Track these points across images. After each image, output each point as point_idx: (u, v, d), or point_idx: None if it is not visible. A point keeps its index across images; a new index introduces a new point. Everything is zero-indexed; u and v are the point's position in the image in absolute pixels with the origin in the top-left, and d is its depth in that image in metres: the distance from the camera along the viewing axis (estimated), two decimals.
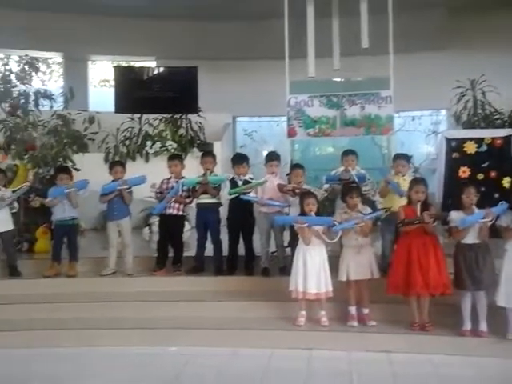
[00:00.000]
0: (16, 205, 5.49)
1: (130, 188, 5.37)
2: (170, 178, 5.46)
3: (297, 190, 4.92)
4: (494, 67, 8.60)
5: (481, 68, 8.37)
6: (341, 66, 8.18)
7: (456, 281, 4.19)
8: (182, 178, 5.40)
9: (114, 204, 5.37)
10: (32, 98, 7.05)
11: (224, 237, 5.38)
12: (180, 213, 5.42)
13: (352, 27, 7.65)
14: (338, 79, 8.05)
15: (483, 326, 4.11)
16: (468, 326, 4.14)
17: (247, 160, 5.46)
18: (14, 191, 5.44)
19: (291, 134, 7.50)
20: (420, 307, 4.23)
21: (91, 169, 6.65)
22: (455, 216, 4.20)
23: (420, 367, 3.88)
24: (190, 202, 5.48)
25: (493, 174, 6.24)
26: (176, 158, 5.68)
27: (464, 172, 6.30)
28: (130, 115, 9.06)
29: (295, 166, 5.30)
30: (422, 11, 9.32)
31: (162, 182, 5.47)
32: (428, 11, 9.43)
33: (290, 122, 7.43)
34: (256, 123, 11.30)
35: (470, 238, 4.14)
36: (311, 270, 4.33)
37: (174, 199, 5.30)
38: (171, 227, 5.45)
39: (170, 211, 5.36)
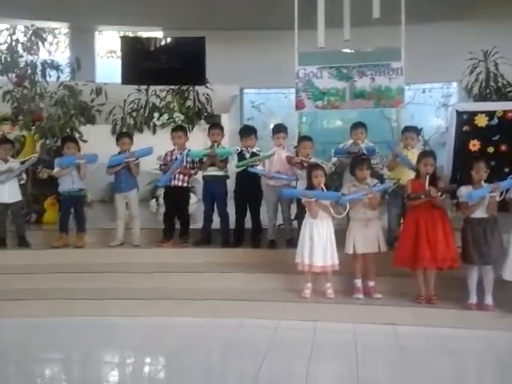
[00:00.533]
0: (24, 176, 5.52)
1: (137, 160, 5.36)
2: (173, 150, 5.43)
3: (305, 163, 4.89)
4: (507, 38, 8.41)
5: (494, 39, 8.20)
6: (351, 37, 8.02)
7: (463, 255, 4.18)
8: (186, 149, 5.37)
9: (121, 176, 5.38)
10: (39, 68, 6.99)
11: (231, 209, 5.38)
12: (185, 184, 5.41)
13: None
14: (348, 50, 7.89)
15: (489, 300, 4.11)
16: (474, 299, 4.15)
17: (255, 132, 5.42)
18: (22, 162, 5.46)
19: (299, 106, 7.41)
20: (426, 280, 4.24)
21: (98, 140, 6.63)
22: (464, 191, 4.17)
23: (425, 340, 3.91)
24: (195, 174, 5.46)
25: (503, 147, 6.14)
26: (179, 129, 5.64)
27: (474, 145, 6.21)
28: (136, 86, 8.99)
29: (303, 138, 5.26)
30: None
31: (166, 155, 5.45)
32: None
33: (299, 93, 7.33)
34: (264, 95, 11.19)
35: (479, 212, 4.11)
36: (318, 243, 4.34)
37: (178, 170, 5.28)
38: (176, 199, 5.45)
39: (174, 183, 5.35)
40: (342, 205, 4.37)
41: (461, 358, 3.68)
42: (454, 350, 3.74)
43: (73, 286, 4.80)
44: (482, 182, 4.10)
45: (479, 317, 4.08)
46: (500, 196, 4.05)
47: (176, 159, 5.31)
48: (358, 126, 5.24)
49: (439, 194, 4.14)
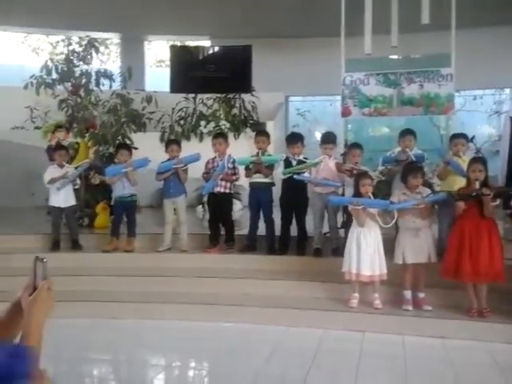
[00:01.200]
0: (78, 181, 5.74)
1: (185, 166, 5.46)
2: (215, 158, 5.50)
3: (354, 171, 4.85)
4: None
5: None
6: (399, 43, 7.90)
7: None
8: (227, 155, 5.40)
9: (170, 182, 5.50)
10: (93, 77, 7.26)
11: (276, 216, 5.39)
12: (227, 191, 5.46)
13: (412, 2, 7.35)
14: (396, 56, 7.77)
15: None
16: None
17: (302, 140, 5.42)
18: (75, 168, 5.68)
19: (346, 113, 7.34)
20: (477, 293, 4.11)
21: (148, 147, 6.80)
22: None
23: (476, 355, 3.79)
24: (237, 180, 5.49)
25: None
26: (219, 136, 5.71)
27: None
28: (184, 95, 9.17)
29: (353, 146, 5.21)
30: None
31: (208, 162, 5.52)
32: None
33: (345, 101, 7.27)
34: (309, 103, 11.17)
35: None
36: (365, 252, 4.28)
37: (221, 177, 5.34)
38: (219, 205, 5.50)
39: (217, 189, 5.41)
40: (389, 214, 4.30)
41: None
42: (507, 366, 3.59)
43: (122, 289, 4.94)
44: None
45: None
46: None
47: (217, 166, 5.38)
48: (407, 133, 5.15)
49: (491, 195, 3.95)
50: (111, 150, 6.64)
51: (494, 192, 4.01)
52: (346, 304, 4.39)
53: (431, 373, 3.55)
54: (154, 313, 4.61)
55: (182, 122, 8.97)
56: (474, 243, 4.01)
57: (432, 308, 4.26)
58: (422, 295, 4.34)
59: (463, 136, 4.97)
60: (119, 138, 6.92)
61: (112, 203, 5.86)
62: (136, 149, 6.45)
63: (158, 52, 12.46)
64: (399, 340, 4.00)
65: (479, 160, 4.24)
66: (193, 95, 9.18)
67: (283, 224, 5.35)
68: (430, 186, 4.90)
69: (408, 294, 4.33)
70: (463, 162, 4.57)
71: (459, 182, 4.52)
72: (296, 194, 5.26)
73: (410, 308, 4.29)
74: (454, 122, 7.67)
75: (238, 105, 9.13)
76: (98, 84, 7.27)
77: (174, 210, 5.57)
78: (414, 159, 4.82)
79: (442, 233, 4.75)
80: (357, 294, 4.40)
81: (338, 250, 4.92)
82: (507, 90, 9.95)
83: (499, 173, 6.18)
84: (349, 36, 7.28)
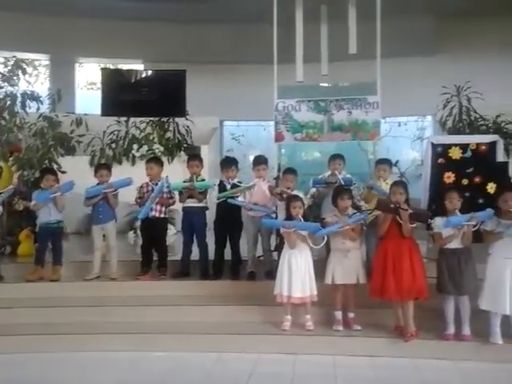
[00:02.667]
0: (0, 208, 5.42)
1: (115, 191, 5.33)
2: (148, 182, 5.42)
3: (284, 195, 4.93)
4: (479, 74, 8.73)
5: (467, 74, 8.49)
6: (329, 71, 8.24)
7: (439, 285, 4.21)
8: (164, 178, 5.35)
9: (99, 207, 5.33)
10: (19, 99, 6.98)
11: (210, 241, 5.36)
12: (162, 215, 5.38)
13: (340, 32, 7.70)
14: (326, 84, 8.07)
15: (466, 330, 4.15)
16: (451, 329, 4.18)
17: (236, 164, 5.46)
18: None
19: (279, 138, 7.51)
20: (404, 312, 4.23)
21: (77, 172, 6.58)
22: (439, 221, 4.22)
23: (404, 371, 3.90)
24: (173, 203, 5.43)
25: (477, 179, 6.29)
26: (151, 160, 5.64)
27: (449, 177, 6.34)
28: (116, 118, 9.01)
29: (287, 171, 5.27)
30: (410, 17, 9.42)
31: (142, 187, 5.44)
32: (416, 17, 9.53)
33: (278, 126, 7.43)
34: (243, 127, 11.31)
35: (453, 243, 4.17)
36: (296, 274, 4.34)
37: (157, 200, 5.26)
38: (154, 230, 5.40)
39: (151, 213, 5.32)
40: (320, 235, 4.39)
41: None
42: (432, 382, 3.72)
43: (47, 320, 4.69)
44: (457, 211, 4.17)
45: (457, 347, 4.10)
46: (474, 227, 4.12)
47: (152, 190, 5.30)
48: (336, 157, 5.34)
49: (408, 211, 4.10)
50: (37, 174, 6.36)
51: (413, 213, 4.17)
52: (279, 327, 4.40)
53: None
54: (82, 344, 4.40)
55: (113, 145, 8.78)
56: (397, 263, 4.15)
57: (361, 327, 4.36)
58: (351, 315, 4.43)
59: (386, 161, 5.22)
60: (46, 162, 6.65)
61: (37, 230, 5.58)
62: (64, 173, 6.23)
63: (89, 74, 12.20)
64: (330, 360, 4.05)
65: (400, 183, 4.42)
66: (125, 118, 9.03)
67: (217, 248, 5.32)
68: (358, 208, 5.06)
69: (338, 314, 4.42)
70: (386, 186, 4.77)
71: None
72: (230, 218, 5.27)
73: (341, 328, 4.36)
74: (381, 147, 8.03)
75: (171, 128, 9.08)
76: (23, 106, 6.99)
77: (104, 236, 5.40)
78: (342, 182, 4.98)
79: (370, 253, 4.90)
80: (289, 317, 4.43)
81: (272, 273, 4.95)
82: (429, 117, 10.56)
83: (422, 196, 6.50)
84: (281, 63, 7.50)
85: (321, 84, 8.10)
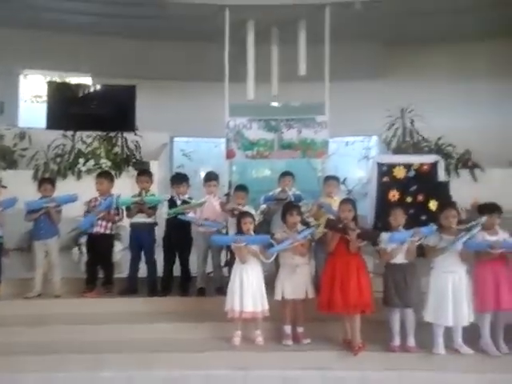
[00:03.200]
0: None
1: (58, 206, 5.16)
2: (97, 197, 5.30)
3: (235, 211, 4.94)
4: (422, 98, 9.14)
5: (410, 98, 8.88)
6: (279, 91, 8.40)
7: (385, 298, 4.32)
8: (115, 195, 5.26)
9: (40, 222, 5.14)
10: None
11: (159, 257, 5.27)
12: (108, 231, 5.25)
13: (290, 54, 7.90)
14: (276, 104, 8.23)
15: (411, 341, 4.27)
16: (397, 341, 4.29)
17: (187, 180, 5.43)
18: None
19: (230, 155, 7.55)
20: (351, 325, 4.30)
21: (19, 186, 6.33)
22: (384, 237, 4.35)
23: (352, 383, 3.94)
24: (120, 220, 5.31)
25: (420, 197, 6.52)
26: (101, 175, 5.52)
27: (393, 195, 6.55)
28: (62, 132, 8.76)
29: (238, 188, 5.30)
30: (357, 42, 9.77)
31: (91, 201, 5.31)
32: (363, 43, 9.90)
33: (229, 143, 7.49)
34: (194, 143, 11.27)
35: (398, 258, 4.30)
36: (247, 289, 4.33)
37: (102, 215, 5.13)
38: (99, 247, 5.26)
39: (97, 229, 5.19)
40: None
41: None
42: None
43: None
44: (401, 228, 4.32)
45: (403, 358, 4.20)
46: (417, 241, 4.27)
47: (100, 205, 5.17)
48: (286, 174, 5.44)
49: (356, 230, 4.21)
50: None
51: (361, 233, 4.28)
52: (229, 342, 4.36)
53: None
54: (23, 366, 4.16)
55: (58, 159, 8.51)
56: (345, 278, 4.22)
57: (311, 341, 4.40)
58: (300, 329, 4.46)
59: (335, 178, 5.36)
60: None
61: None
62: (4, 187, 5.98)
63: (34, 87, 11.82)
64: (280, 374, 4.05)
65: (348, 201, 4.53)
66: (71, 132, 8.80)
67: (166, 264, 5.24)
68: (306, 224, 5.13)
69: (288, 328, 4.43)
70: (334, 202, 4.89)
71: None
72: (180, 234, 5.22)
73: (290, 343, 4.38)
74: (329, 166, 8.22)
75: (120, 143, 8.92)
76: None
77: (46, 252, 5.19)
78: (292, 198, 5.06)
79: (319, 268, 4.98)
80: (239, 332, 4.40)
81: (222, 289, 4.92)
82: (374, 137, 10.92)
83: (368, 213, 6.68)
84: (233, 82, 7.59)
85: (271, 103, 8.24)
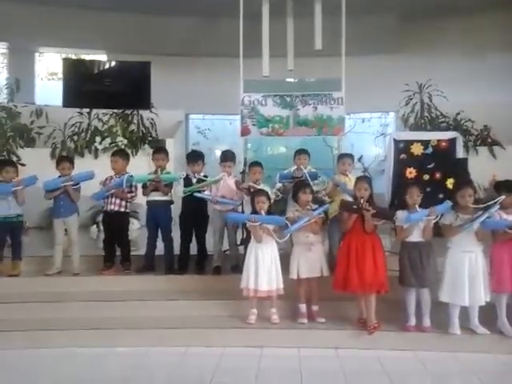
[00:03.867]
0: None
1: (76, 184, 5.21)
2: (112, 176, 5.33)
3: (252, 189, 4.93)
4: (441, 72, 8.96)
5: (428, 72, 8.71)
6: (294, 67, 8.28)
7: (401, 278, 4.31)
8: (127, 173, 5.27)
9: (60, 201, 5.20)
10: None
11: (176, 235, 5.32)
12: (122, 209, 5.27)
13: (306, 28, 7.75)
14: (292, 79, 8.12)
15: (427, 322, 4.27)
16: (413, 321, 4.29)
17: (203, 158, 5.42)
18: None
19: (244, 132, 7.51)
20: (366, 305, 4.30)
21: (37, 164, 6.41)
22: (401, 215, 4.32)
23: (367, 362, 3.98)
24: (132, 199, 5.31)
25: (438, 175, 6.47)
26: (115, 154, 5.52)
27: (410, 173, 6.50)
28: (78, 109, 8.80)
29: (254, 164, 5.26)
30: (374, 15, 9.57)
31: (106, 179, 5.34)
32: (380, 16, 9.69)
33: (244, 120, 7.44)
34: (209, 121, 11.24)
35: (415, 237, 4.27)
36: (263, 268, 4.35)
37: (113, 191, 5.15)
38: (114, 224, 5.30)
39: (111, 207, 5.23)
40: (284, 229, 4.42)
41: (401, 380, 3.76)
42: (395, 372, 3.81)
43: (7, 316, 4.54)
44: (417, 207, 4.27)
45: (418, 338, 4.22)
46: (434, 219, 4.23)
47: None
48: (301, 152, 5.38)
49: (371, 211, 4.17)
50: None
51: (376, 212, 4.23)
52: (244, 321, 4.42)
53: (325, 383, 3.67)
54: (45, 341, 4.28)
55: (75, 137, 8.57)
56: (360, 257, 4.22)
57: (325, 320, 4.42)
58: (315, 308, 4.49)
59: (349, 156, 5.28)
60: (4, 153, 6.43)
61: None
62: (23, 165, 6.05)
63: (50, 64, 11.83)
64: (295, 353, 4.09)
65: (364, 179, 4.48)
66: (87, 110, 8.83)
67: (183, 242, 5.28)
68: (322, 201, 5.12)
69: (303, 307, 4.46)
70: (349, 181, 4.84)
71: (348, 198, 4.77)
72: (196, 212, 5.23)
73: (305, 321, 4.41)
74: (345, 143, 8.16)
75: (135, 121, 8.94)
76: None
77: (65, 230, 5.27)
78: (307, 177, 5.02)
79: (333, 247, 4.97)
80: (255, 310, 4.45)
81: (238, 267, 4.96)
82: (392, 114, 10.77)
83: (385, 191, 6.63)
84: (247, 57, 7.49)
85: (287, 79, 8.14)
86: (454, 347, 4.13)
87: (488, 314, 4.23)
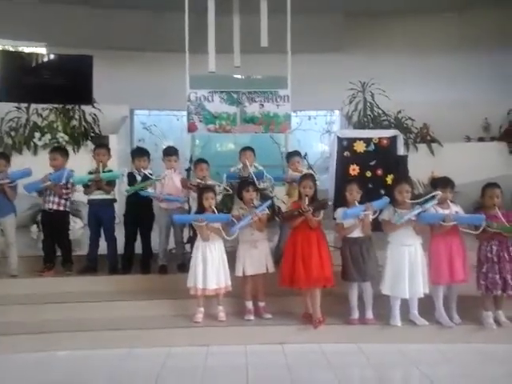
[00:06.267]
0: None
1: (12, 182, 4.98)
2: (52, 173, 5.11)
3: (201, 185, 4.88)
4: (384, 71, 9.19)
5: (372, 71, 8.91)
6: (241, 63, 8.27)
7: (344, 273, 4.41)
8: (67, 169, 5.08)
9: None
10: None
11: (119, 234, 5.19)
12: (61, 208, 5.10)
13: (253, 25, 7.75)
14: (239, 76, 8.11)
15: (369, 314, 4.39)
16: (356, 314, 4.40)
17: (148, 154, 5.33)
18: None
19: (191, 128, 7.44)
20: (312, 300, 4.37)
21: None
22: (339, 212, 4.40)
23: (313, 356, 4.04)
24: (67, 195, 5.13)
25: (379, 171, 6.66)
26: (54, 150, 5.32)
27: (354, 170, 6.66)
28: (16, 104, 8.41)
29: (199, 161, 5.24)
30: (320, 14, 9.70)
31: (45, 176, 5.14)
32: (326, 14, 9.83)
33: (190, 116, 7.36)
34: (155, 117, 11.04)
35: (355, 232, 4.37)
36: (211, 267, 4.33)
37: (49, 183, 4.96)
38: (54, 224, 5.13)
39: (49, 206, 5.05)
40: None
41: (345, 371, 3.83)
42: (339, 365, 3.89)
43: None
44: (356, 203, 4.37)
45: (361, 330, 4.33)
46: (373, 215, 4.34)
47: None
48: (246, 149, 5.39)
49: (310, 210, 4.24)
50: None
51: (314, 207, 4.30)
52: (191, 319, 4.38)
53: (271, 378, 3.72)
54: None
55: (12, 133, 8.19)
56: (306, 252, 4.28)
57: (272, 315, 4.46)
58: (262, 304, 4.52)
59: (298, 153, 5.37)
60: None
61: None
62: None
63: None
64: (242, 350, 4.10)
65: (309, 177, 4.52)
66: (25, 105, 8.45)
67: (126, 242, 5.17)
68: (270, 199, 5.14)
69: (249, 304, 4.49)
70: None
71: None
72: (141, 210, 5.14)
73: (252, 318, 4.44)
74: (292, 140, 8.22)
75: (77, 117, 8.64)
76: None
77: (1, 230, 5.03)
78: (253, 176, 5.02)
79: (281, 242, 5.02)
80: (202, 309, 4.42)
81: (184, 266, 4.91)
82: (337, 112, 10.98)
83: (329, 187, 6.76)
84: (193, 53, 7.40)
85: (233, 75, 8.12)
86: (395, 338, 4.26)
87: (427, 306, 4.40)
